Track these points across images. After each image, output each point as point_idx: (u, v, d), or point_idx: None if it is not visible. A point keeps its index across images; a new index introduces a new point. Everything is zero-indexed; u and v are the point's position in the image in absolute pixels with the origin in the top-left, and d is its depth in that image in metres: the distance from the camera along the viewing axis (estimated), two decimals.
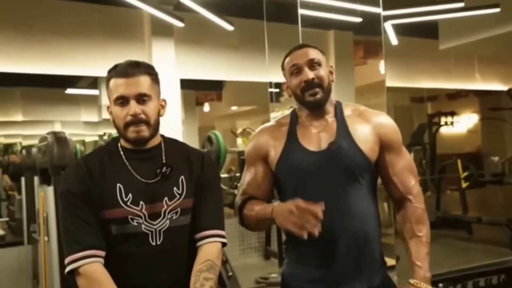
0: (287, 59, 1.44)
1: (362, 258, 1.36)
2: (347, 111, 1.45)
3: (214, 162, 1.48)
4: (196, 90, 7.32)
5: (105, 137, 5.38)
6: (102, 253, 1.24)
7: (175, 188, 1.31)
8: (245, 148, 1.54)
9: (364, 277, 1.36)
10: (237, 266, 3.39)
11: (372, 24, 4.27)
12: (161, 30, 4.10)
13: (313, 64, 1.39)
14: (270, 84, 4.12)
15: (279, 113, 4.95)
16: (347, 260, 1.35)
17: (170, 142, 1.41)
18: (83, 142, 6.47)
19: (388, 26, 4.33)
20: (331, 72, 1.44)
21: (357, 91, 5.04)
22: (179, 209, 1.31)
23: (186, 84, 4.32)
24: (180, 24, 3.96)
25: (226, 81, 6.94)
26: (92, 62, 4.09)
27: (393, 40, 4.54)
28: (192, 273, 1.28)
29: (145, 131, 1.28)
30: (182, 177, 1.33)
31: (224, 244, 1.36)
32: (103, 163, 1.30)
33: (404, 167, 1.42)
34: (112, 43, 4.10)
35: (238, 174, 5.29)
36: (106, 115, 5.01)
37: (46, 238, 2.86)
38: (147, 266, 1.27)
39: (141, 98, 1.27)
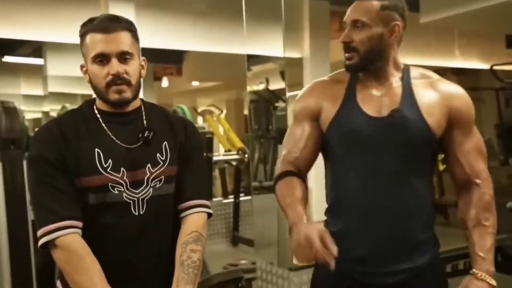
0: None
1: (409, 236, 1.36)
2: (415, 78, 1.41)
3: (196, 129, 1.51)
4: (154, 63, 7.19)
5: (53, 114, 5.23)
6: (80, 223, 1.24)
7: (158, 154, 1.33)
8: (295, 101, 1.50)
9: (409, 257, 1.36)
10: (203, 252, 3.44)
11: None
12: None
13: (356, 25, 1.34)
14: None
15: (247, 88, 4.96)
16: (392, 238, 1.34)
17: (149, 106, 1.41)
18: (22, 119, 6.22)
19: None
20: (392, 30, 1.34)
21: (333, 67, 5.13)
22: (163, 177, 1.32)
23: (143, 55, 4.25)
24: None
25: (187, 53, 6.86)
26: (36, 25, 3.93)
27: None
28: (178, 245, 1.30)
29: (127, 92, 1.27)
30: (165, 142, 1.35)
31: (209, 215, 1.40)
32: (77, 127, 1.29)
33: (473, 148, 1.40)
34: (60, 3, 3.96)
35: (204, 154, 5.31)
36: (53, 88, 4.84)
37: None
38: (129, 238, 1.29)
39: (123, 57, 1.26)
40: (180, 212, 1.37)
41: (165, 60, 7.41)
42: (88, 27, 1.27)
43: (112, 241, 1.28)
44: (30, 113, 6.66)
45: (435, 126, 1.35)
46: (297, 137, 1.43)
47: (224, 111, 9.41)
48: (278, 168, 1.44)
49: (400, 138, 1.33)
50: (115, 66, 1.24)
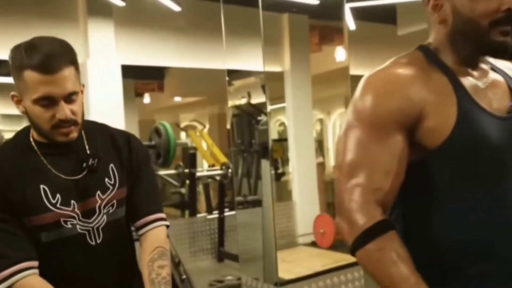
0: None
1: None
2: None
3: (141, 142, 1.44)
4: (135, 79, 7.18)
5: None
6: (36, 263, 1.18)
7: (106, 179, 1.28)
8: (361, 103, 0.98)
9: None
10: (188, 269, 3.41)
11: (329, 8, 4.42)
12: (98, 9, 4.00)
13: None
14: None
15: (229, 103, 4.98)
16: None
17: (90, 127, 1.33)
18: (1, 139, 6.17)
19: (346, 10, 4.48)
20: None
21: (313, 80, 5.18)
22: (115, 201, 1.29)
23: (124, 72, 4.26)
24: (120, 3, 3.89)
25: (169, 69, 6.87)
26: (14, 44, 3.87)
27: (351, 25, 4.71)
28: (143, 264, 1.27)
29: (74, 132, 1.21)
30: (112, 165, 1.30)
31: (167, 227, 1.36)
32: (17, 163, 1.21)
33: None
34: (39, 22, 3.93)
35: (186, 170, 5.30)
36: None
37: None
38: (89, 269, 1.25)
39: (70, 97, 1.17)
40: (138, 229, 1.33)
41: (147, 76, 7.40)
42: (25, 62, 1.13)
43: (71, 275, 1.24)
44: (9, 132, 6.60)
45: None
46: (382, 159, 0.95)
47: (207, 126, 9.41)
48: (359, 212, 0.92)
49: None
50: (62, 110, 1.15)
